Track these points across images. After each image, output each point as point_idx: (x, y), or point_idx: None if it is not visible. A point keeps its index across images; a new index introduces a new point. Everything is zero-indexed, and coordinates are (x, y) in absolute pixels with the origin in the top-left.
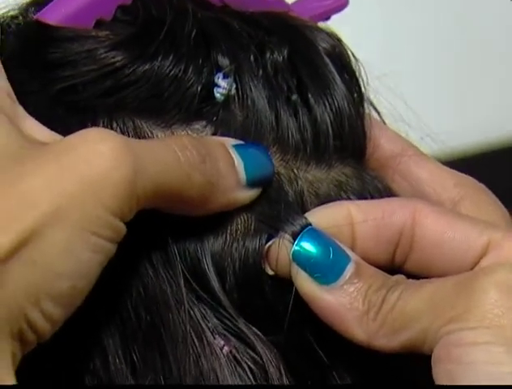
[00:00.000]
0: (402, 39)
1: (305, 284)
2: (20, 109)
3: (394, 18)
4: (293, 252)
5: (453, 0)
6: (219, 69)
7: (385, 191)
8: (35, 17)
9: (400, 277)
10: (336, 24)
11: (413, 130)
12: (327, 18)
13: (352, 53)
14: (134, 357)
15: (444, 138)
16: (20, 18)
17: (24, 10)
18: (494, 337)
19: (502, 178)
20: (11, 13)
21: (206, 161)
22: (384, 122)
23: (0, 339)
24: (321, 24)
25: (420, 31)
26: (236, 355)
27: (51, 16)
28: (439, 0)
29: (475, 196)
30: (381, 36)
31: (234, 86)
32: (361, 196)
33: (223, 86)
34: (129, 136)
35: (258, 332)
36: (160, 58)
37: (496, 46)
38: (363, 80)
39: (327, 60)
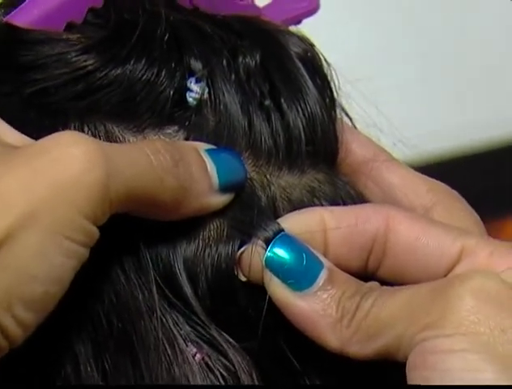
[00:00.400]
0: (374, 43)
1: (278, 290)
2: None
3: (365, 23)
4: (266, 258)
5: (424, 3)
6: (191, 73)
7: (357, 197)
8: (4, 19)
9: (374, 284)
10: (308, 28)
11: (385, 136)
12: (298, 22)
13: (324, 58)
14: (106, 364)
15: (416, 142)
16: None
17: None
18: (470, 344)
19: (475, 183)
20: None
21: (179, 165)
22: (355, 127)
23: None
24: (293, 29)
25: (393, 35)
26: (209, 362)
27: (21, 19)
28: (413, 3)
29: (448, 202)
30: (352, 41)
31: (207, 90)
32: (334, 202)
33: (195, 90)
34: (100, 140)
35: (231, 339)
36: (132, 62)
37: (471, 48)
38: (335, 85)
39: (299, 64)
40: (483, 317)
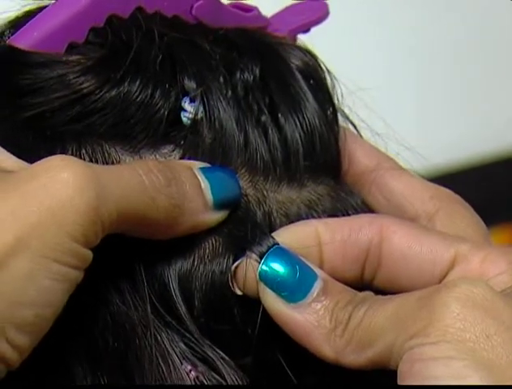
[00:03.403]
0: (382, 52)
1: (273, 302)
2: None
3: (374, 31)
4: (260, 271)
5: (436, 12)
6: (185, 93)
7: (360, 208)
8: (7, 41)
9: (368, 294)
10: (316, 37)
11: (391, 144)
12: (307, 30)
13: (327, 69)
14: (102, 382)
15: (422, 152)
16: None
17: (0, 34)
18: (455, 351)
19: (481, 194)
20: None
21: (171, 185)
22: (361, 136)
23: None
24: (299, 39)
25: (401, 44)
26: (203, 380)
27: (23, 40)
28: (421, 13)
29: (451, 208)
30: (361, 50)
31: (201, 109)
32: (334, 215)
33: (189, 110)
34: (98, 162)
35: (226, 357)
36: (126, 84)
37: (477, 58)
38: (338, 97)
39: (299, 77)
40: (468, 324)
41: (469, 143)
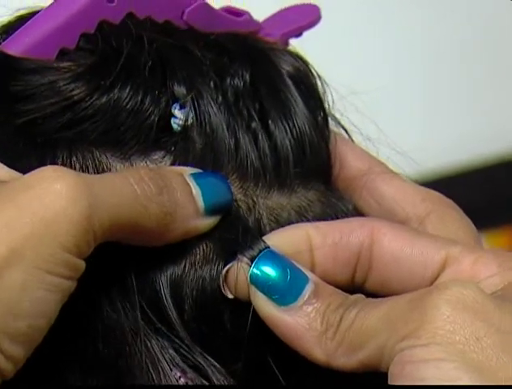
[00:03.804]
0: (373, 56)
1: (264, 306)
2: None
3: (365, 35)
4: (251, 275)
5: (426, 16)
6: (175, 99)
7: (351, 213)
8: None
9: (359, 296)
10: (307, 41)
11: (382, 148)
12: (299, 34)
13: (318, 75)
14: None
15: (424, 154)
16: None
17: None
18: (445, 353)
19: (483, 196)
20: None
21: (163, 193)
22: (352, 140)
23: None
24: (291, 43)
25: (392, 48)
26: None
27: (14, 47)
28: (411, 16)
29: (442, 211)
30: (352, 54)
31: (192, 115)
32: (324, 220)
33: (179, 117)
34: (88, 169)
35: (216, 363)
36: (116, 90)
37: (472, 60)
38: (328, 102)
39: (290, 83)
40: (458, 326)
41: (471, 144)
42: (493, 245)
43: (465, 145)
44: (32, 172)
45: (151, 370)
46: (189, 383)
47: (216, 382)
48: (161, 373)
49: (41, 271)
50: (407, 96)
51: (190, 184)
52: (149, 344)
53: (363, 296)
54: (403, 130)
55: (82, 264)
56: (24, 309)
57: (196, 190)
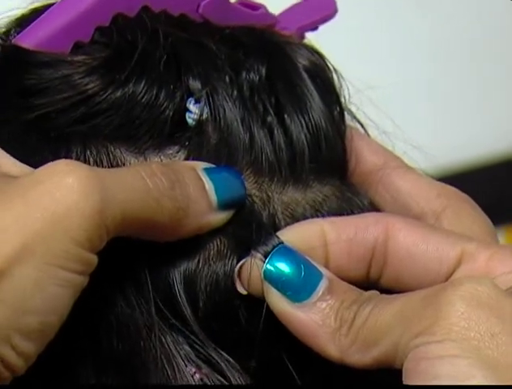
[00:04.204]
0: (390, 50)
1: (278, 302)
2: None
3: (382, 29)
4: (264, 271)
5: (443, 11)
6: (190, 94)
7: (366, 208)
8: (13, 40)
9: (373, 293)
10: (323, 35)
11: (398, 143)
12: (315, 28)
13: (334, 68)
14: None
15: (432, 152)
16: (0, 41)
17: (5, 33)
18: (460, 350)
19: (488, 194)
20: None
21: (175, 187)
22: (368, 135)
23: None
24: (307, 37)
25: (409, 42)
26: (207, 382)
27: (28, 40)
28: (427, 11)
29: (457, 206)
30: (369, 48)
31: (206, 110)
32: (339, 215)
33: (194, 111)
34: (102, 163)
35: (230, 359)
36: (131, 85)
37: (487, 57)
38: (345, 96)
39: (306, 77)
40: (473, 322)
41: (480, 142)
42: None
43: (482, 140)
44: (44, 166)
45: (166, 366)
46: (204, 379)
47: (231, 378)
48: (176, 368)
49: (53, 267)
50: (422, 91)
51: (203, 179)
52: (164, 340)
53: (377, 292)
54: (419, 125)
55: (94, 259)
56: (36, 305)
57: (209, 185)
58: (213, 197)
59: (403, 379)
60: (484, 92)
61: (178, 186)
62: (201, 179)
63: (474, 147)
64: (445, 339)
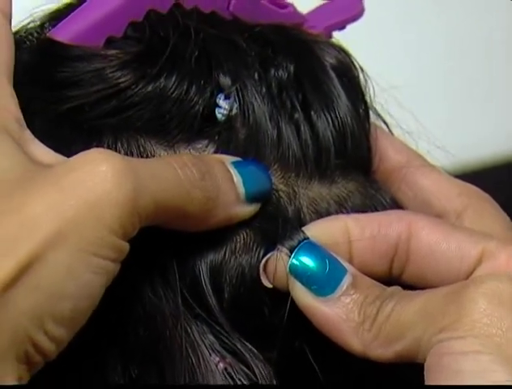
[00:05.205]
0: (414, 51)
1: (303, 296)
2: (27, 133)
3: (407, 30)
4: (290, 265)
5: (465, 11)
6: (220, 89)
7: (389, 204)
8: (47, 34)
9: (396, 288)
10: (350, 35)
11: (421, 142)
12: (342, 27)
13: (361, 67)
14: (133, 374)
15: (452, 150)
16: (35, 34)
17: (40, 26)
18: (482, 346)
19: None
20: (31, 25)
21: (205, 178)
22: (392, 133)
23: (6, 365)
24: (333, 36)
25: (433, 42)
26: (231, 371)
27: (62, 34)
28: (452, 12)
29: (479, 206)
30: (394, 48)
31: (236, 106)
32: (363, 211)
33: (224, 107)
34: (133, 155)
35: (254, 349)
36: (162, 79)
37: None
38: (370, 95)
39: (333, 75)
40: (495, 319)
41: (497, 141)
42: None
43: (500, 139)
44: (77, 155)
45: (191, 354)
46: (228, 368)
47: (254, 368)
48: (200, 357)
49: (87, 254)
50: (441, 91)
51: (231, 171)
52: (189, 329)
53: (400, 288)
54: (442, 125)
55: (126, 246)
56: (69, 291)
57: (237, 178)
58: (241, 189)
59: (425, 373)
60: (503, 91)
61: (208, 178)
62: (229, 172)
63: (492, 145)
64: (468, 336)
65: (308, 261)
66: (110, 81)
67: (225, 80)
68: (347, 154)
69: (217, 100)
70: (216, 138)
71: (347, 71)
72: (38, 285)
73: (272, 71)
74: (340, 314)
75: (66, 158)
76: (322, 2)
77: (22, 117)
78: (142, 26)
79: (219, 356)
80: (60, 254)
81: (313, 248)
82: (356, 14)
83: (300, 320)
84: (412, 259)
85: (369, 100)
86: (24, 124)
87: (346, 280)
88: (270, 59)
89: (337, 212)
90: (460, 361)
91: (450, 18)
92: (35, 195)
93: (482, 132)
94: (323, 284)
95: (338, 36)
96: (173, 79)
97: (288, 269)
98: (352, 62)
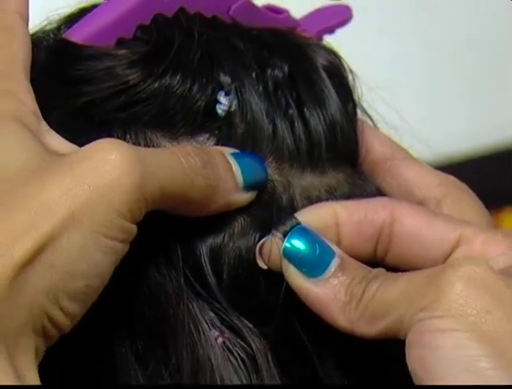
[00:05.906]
0: (398, 52)
1: (295, 277)
2: (43, 124)
3: (392, 34)
4: (284, 248)
5: (448, 11)
6: (221, 87)
7: (374, 193)
8: (63, 35)
9: (381, 270)
10: (339, 38)
11: (405, 137)
12: (332, 31)
13: (350, 68)
14: (139, 348)
15: (432, 144)
16: (52, 35)
17: (57, 28)
18: (459, 324)
19: (487, 181)
20: (48, 27)
21: (207, 167)
22: (378, 128)
23: (24, 337)
24: (324, 39)
25: (415, 46)
26: (229, 345)
27: (76, 35)
28: (434, 13)
29: (457, 194)
30: (380, 51)
31: (235, 102)
32: (350, 199)
33: (224, 103)
34: (140, 146)
35: (250, 324)
36: (168, 77)
37: (488, 53)
38: (358, 93)
39: (324, 76)
40: (470, 300)
41: (473, 135)
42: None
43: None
44: (89, 144)
45: (193, 330)
46: (226, 342)
47: (251, 342)
48: (201, 332)
49: (98, 235)
50: (424, 90)
51: (231, 161)
52: (191, 307)
53: (384, 270)
54: (424, 121)
55: (134, 228)
56: (82, 270)
57: (236, 167)
58: (239, 178)
59: (407, 349)
60: (477, 92)
61: (210, 166)
62: (229, 162)
63: (469, 139)
64: (445, 315)
65: (299, 244)
66: (120, 78)
67: (225, 79)
68: (337, 147)
69: (218, 97)
70: (217, 132)
71: (338, 72)
72: (53, 264)
73: (268, 71)
74: (329, 294)
75: (78, 147)
76: (314, 9)
77: (38, 109)
78: (150, 28)
79: (218, 331)
80: (74, 235)
81: (304, 232)
82: (345, 19)
83: (293, 299)
84: (395, 242)
85: (357, 99)
86: (40, 116)
87: (334, 263)
88: (267, 60)
89: (327, 200)
90: (439, 338)
91: (431, 23)
92: (50, 182)
93: (459, 128)
94: (313, 265)
95: (328, 40)
96: (178, 77)
97: (281, 252)
98: (342, 64)
